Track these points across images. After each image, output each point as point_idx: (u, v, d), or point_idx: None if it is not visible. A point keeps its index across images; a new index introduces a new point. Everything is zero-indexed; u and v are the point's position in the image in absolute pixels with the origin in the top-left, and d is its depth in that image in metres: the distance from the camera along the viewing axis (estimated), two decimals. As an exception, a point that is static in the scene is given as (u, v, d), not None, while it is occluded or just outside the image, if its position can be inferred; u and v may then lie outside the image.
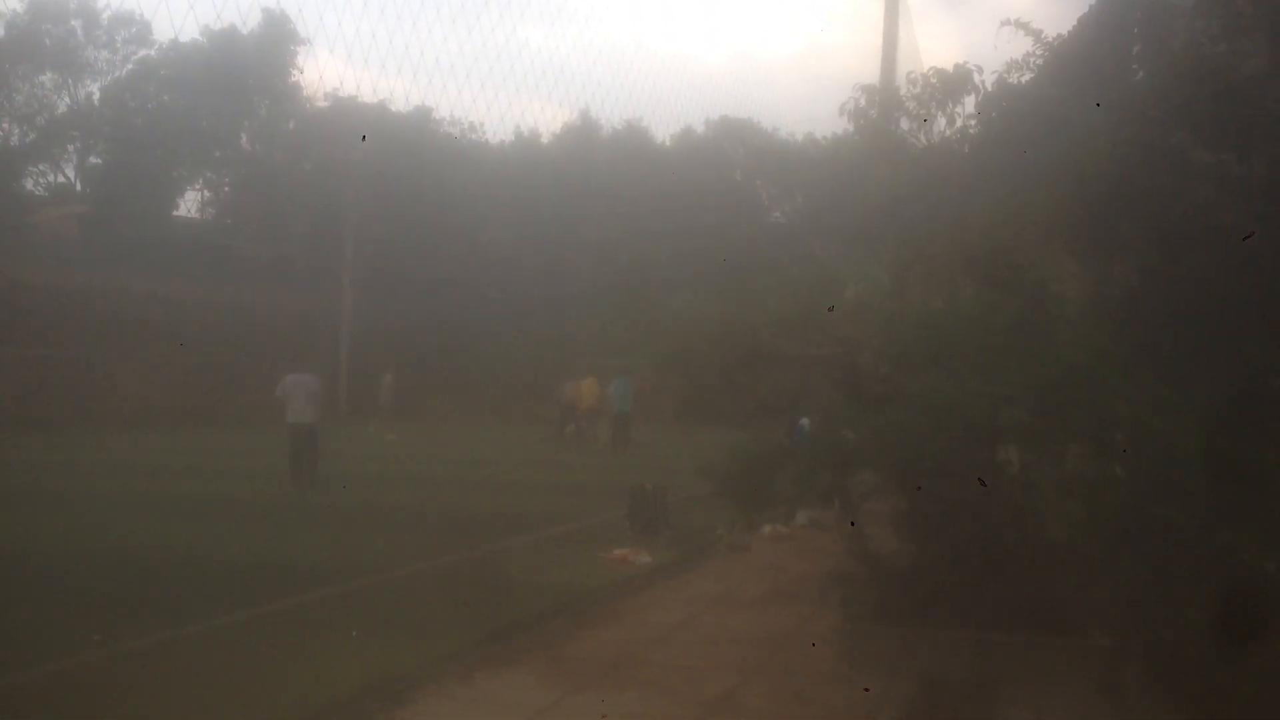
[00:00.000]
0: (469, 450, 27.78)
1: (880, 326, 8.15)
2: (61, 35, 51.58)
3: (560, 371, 33.57)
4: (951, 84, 15.73)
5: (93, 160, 52.83)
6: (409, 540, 13.19)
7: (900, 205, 13.93)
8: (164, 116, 49.60)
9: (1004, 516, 7.06)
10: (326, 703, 6.96)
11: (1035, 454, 7.47)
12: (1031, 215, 7.84)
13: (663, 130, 66.53)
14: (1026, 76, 14.61)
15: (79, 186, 52.95)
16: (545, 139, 57.33)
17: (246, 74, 50.23)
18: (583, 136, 56.42)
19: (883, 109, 17.42)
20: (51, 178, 54.00)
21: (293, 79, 52.28)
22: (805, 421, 12.18)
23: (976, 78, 15.62)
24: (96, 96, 52.31)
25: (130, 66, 52.36)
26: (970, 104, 16.02)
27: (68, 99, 52.50)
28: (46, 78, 51.80)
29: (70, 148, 53.09)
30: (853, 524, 8.46)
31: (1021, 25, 14.04)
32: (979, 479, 6.96)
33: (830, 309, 7.93)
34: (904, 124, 16.63)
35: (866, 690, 7.05)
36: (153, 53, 52.14)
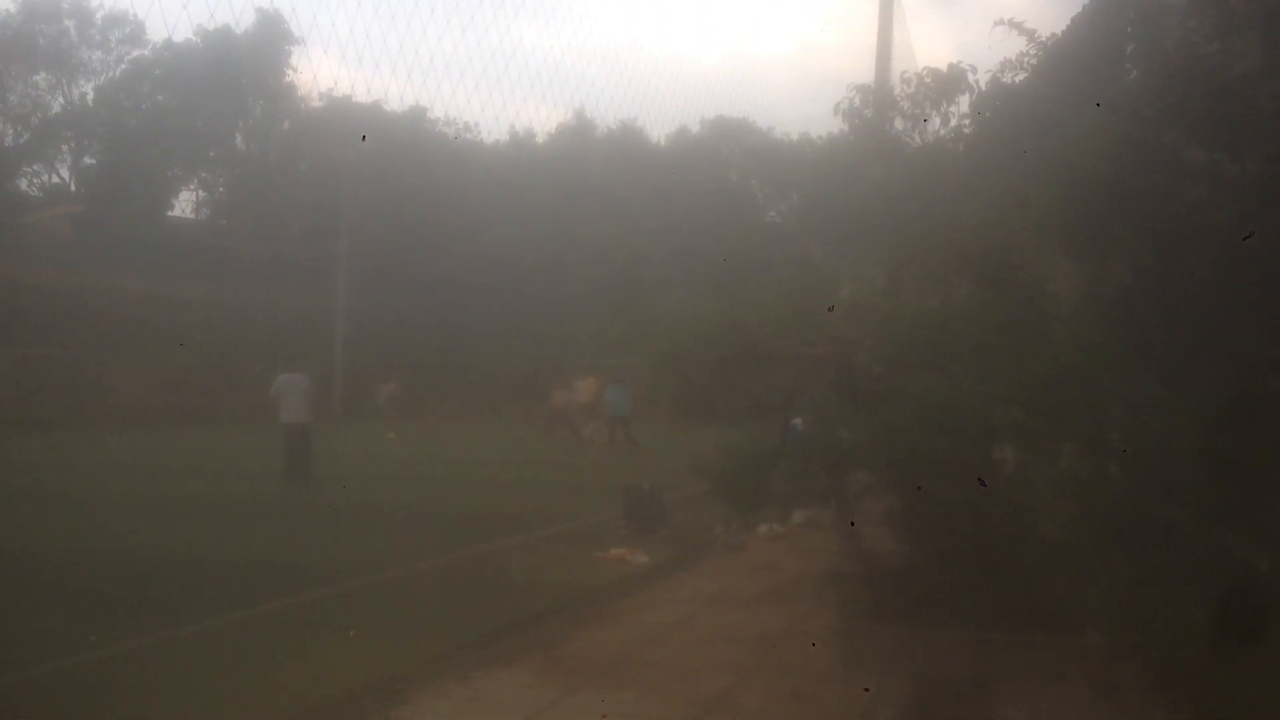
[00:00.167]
0: (465, 450, 27.77)
1: (875, 326, 8.16)
2: (55, 35, 51.57)
3: (556, 371, 33.58)
4: (946, 84, 15.73)
5: (87, 160, 52.83)
6: (406, 540, 13.19)
7: (895, 205, 13.95)
8: (158, 116, 49.59)
9: (999, 516, 7.08)
10: (323, 702, 6.97)
11: (1030, 453, 7.49)
12: (1025, 214, 7.85)
13: (658, 130, 66.63)
14: (1021, 76, 14.63)
15: (73, 186, 52.93)
16: (540, 139, 57.39)
17: (241, 74, 50.23)
18: (578, 136, 56.43)
19: (877, 109, 17.42)
20: (46, 178, 54.05)
21: (287, 79, 52.37)
22: (798, 421, 12.20)
23: (971, 77, 15.63)
24: (90, 96, 52.35)
25: (124, 66, 52.41)
26: (965, 103, 16.03)
27: (62, 99, 52.54)
28: (40, 78, 51.83)
29: (64, 148, 53.12)
30: (843, 528, 8.48)
31: (1015, 25, 14.07)
32: (979, 479, 6.97)
33: (830, 309, 7.94)
34: (898, 124, 16.63)
35: (866, 690, 7.06)
36: (147, 52, 52.22)
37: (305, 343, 35.86)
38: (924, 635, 7.02)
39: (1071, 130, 8.98)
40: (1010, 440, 7.43)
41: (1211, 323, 6.55)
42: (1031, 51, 14.22)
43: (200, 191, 54.95)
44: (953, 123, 15.90)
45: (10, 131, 51.20)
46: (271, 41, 51.03)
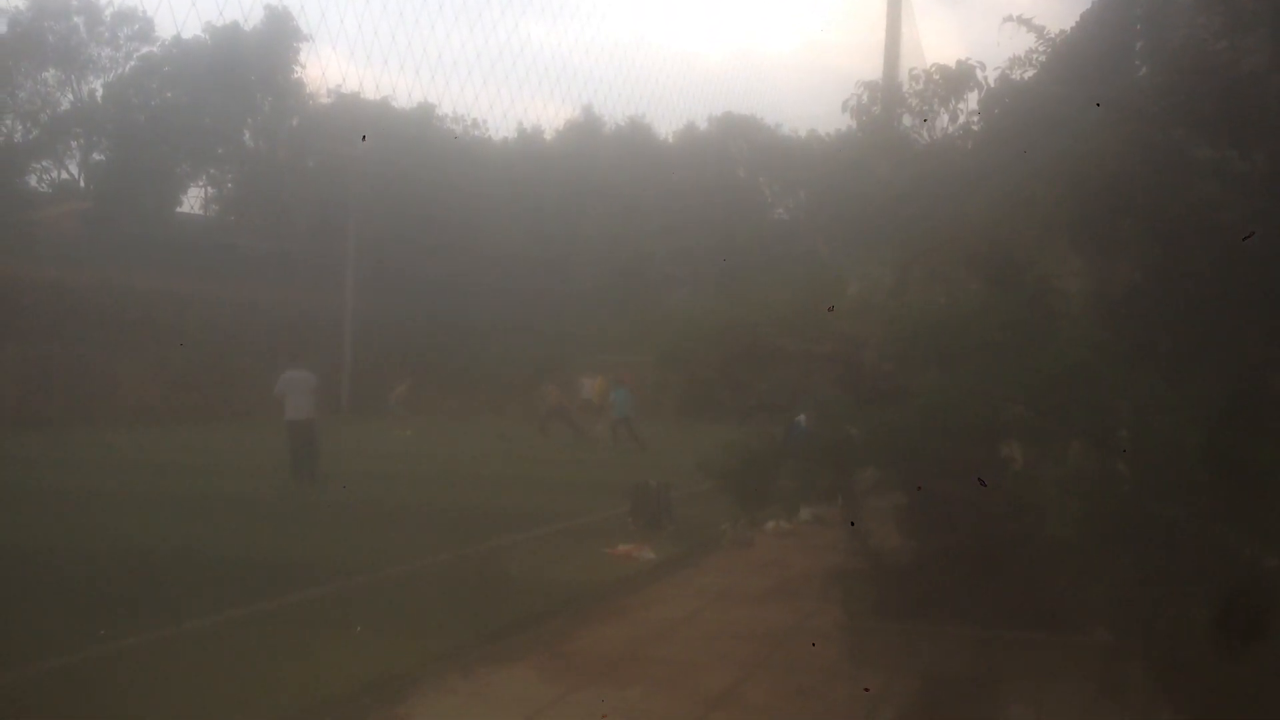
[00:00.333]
0: (470, 447, 27.80)
1: (882, 324, 8.15)
2: (64, 32, 51.67)
3: (560, 368, 33.59)
4: (954, 80, 15.73)
5: (96, 157, 52.94)
6: (412, 536, 13.21)
7: (902, 202, 13.92)
8: (167, 113, 49.66)
9: (1005, 514, 7.07)
10: (328, 698, 6.99)
11: (1037, 451, 7.48)
12: (1033, 212, 7.84)
13: (665, 127, 66.57)
14: (1029, 73, 14.62)
15: (82, 183, 53.02)
16: (548, 135, 57.45)
17: (249, 70, 50.31)
18: (586, 133, 56.45)
19: (885, 106, 17.42)
20: (55, 174, 54.15)
21: (295, 75, 52.43)
22: (802, 418, 12.19)
23: (979, 74, 15.63)
24: (99, 93, 52.43)
25: (133, 63, 52.48)
26: (973, 100, 16.02)
27: (71, 95, 52.62)
28: (49, 74, 51.92)
29: (74, 144, 53.18)
30: (853, 523, 8.46)
31: (1024, 22, 14.07)
32: (979, 479, 6.95)
33: (830, 309, 7.92)
34: (906, 121, 16.64)
35: (866, 690, 7.06)
36: (155, 49, 52.29)
37: (312, 340, 35.91)
38: (930, 632, 7.01)
39: (1079, 127, 8.96)
40: (1017, 438, 7.42)
41: (1219, 321, 6.54)
42: (1040, 48, 14.21)
43: (209, 188, 55.10)
44: (961, 120, 15.91)
45: (19, 128, 51.30)
46: (280, 38, 51.10)
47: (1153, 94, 7.35)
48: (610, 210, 48.47)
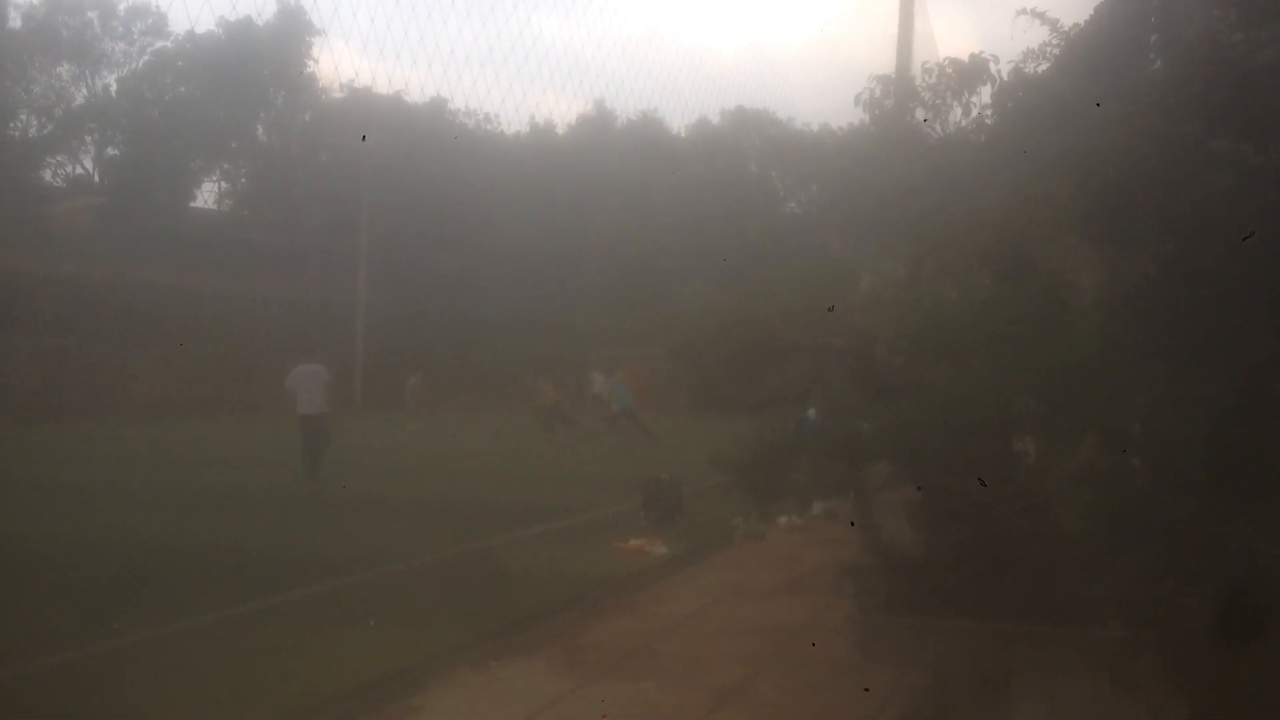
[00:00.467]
0: (482, 442, 27.83)
1: (894, 318, 8.14)
2: (78, 27, 51.83)
3: (557, 364, 33.59)
4: (967, 74, 15.67)
5: (110, 152, 53.08)
6: (425, 530, 13.23)
7: (915, 196, 13.89)
8: (180, 108, 49.82)
9: (1017, 508, 7.05)
10: (342, 690, 7.01)
11: (1049, 445, 7.46)
12: (1045, 206, 7.81)
13: (678, 121, 66.50)
14: (1043, 66, 14.55)
15: (97, 178, 53.19)
16: (560, 130, 57.37)
17: (262, 65, 50.42)
18: (598, 127, 56.38)
19: (898, 99, 17.35)
20: (69, 169, 54.34)
21: (308, 70, 52.50)
22: (811, 412, 12.18)
23: (992, 68, 15.57)
24: (113, 88, 52.59)
25: (147, 58, 52.61)
26: (986, 94, 15.96)
27: (85, 90, 52.79)
28: (63, 69, 52.08)
29: (88, 139, 53.33)
30: (855, 522, 8.47)
31: (1038, 15, 14.01)
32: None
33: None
34: (919, 114, 16.57)
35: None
36: (169, 44, 52.42)
37: (325, 334, 36.01)
38: (941, 627, 7.00)
39: (1092, 121, 8.93)
40: (1029, 432, 7.40)
41: (1232, 315, 6.50)
42: (1054, 42, 14.15)
43: (222, 183, 55.24)
44: (974, 113, 15.86)
45: (34, 123, 51.50)
46: (292, 33, 51.19)
47: (1167, 87, 7.31)
48: (622, 204, 48.44)
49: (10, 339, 31.49)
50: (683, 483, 14.48)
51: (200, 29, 52.09)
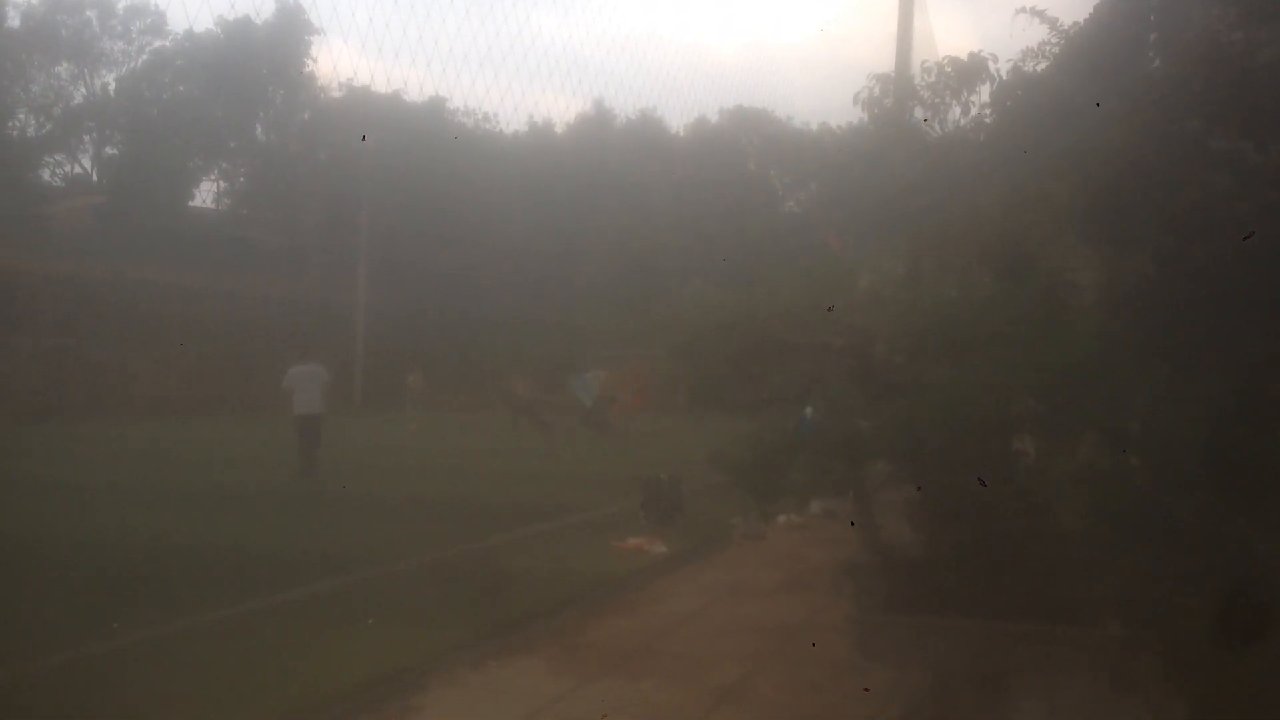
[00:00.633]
0: (481, 440, 27.81)
1: (894, 316, 8.13)
2: (77, 26, 51.86)
3: (533, 362, 33.58)
4: (966, 73, 15.62)
5: (109, 151, 53.13)
6: (424, 530, 13.22)
7: (914, 195, 13.86)
8: (179, 107, 49.86)
9: (1017, 507, 7.05)
10: (341, 690, 7.01)
11: (1049, 444, 7.45)
12: (1044, 204, 7.80)
13: (677, 120, 66.42)
14: (1042, 65, 14.51)
15: (95, 177, 53.18)
16: (559, 129, 57.34)
17: (261, 64, 50.44)
18: (597, 126, 56.36)
19: (897, 98, 17.31)
20: (68, 168, 54.35)
21: (307, 69, 52.51)
22: (809, 411, 12.18)
23: (991, 66, 15.52)
24: (112, 87, 52.63)
25: (145, 57, 52.67)
26: (985, 93, 15.92)
27: (84, 89, 52.82)
28: (62, 68, 52.12)
29: (86, 138, 53.37)
30: (855, 522, 8.46)
31: (1037, 13, 13.96)
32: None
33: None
34: (919, 113, 16.53)
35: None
36: (168, 43, 52.49)
37: (325, 333, 35.99)
38: (942, 626, 6.99)
39: (1092, 119, 8.92)
40: (1029, 431, 7.40)
41: (1232, 314, 6.50)
42: (1053, 40, 14.11)
43: (221, 182, 55.28)
44: (973, 112, 15.80)
45: (33, 122, 51.53)
46: (291, 32, 51.18)
47: (1166, 86, 7.30)
48: (621, 203, 48.41)
49: (9, 338, 31.48)
50: (682, 482, 14.47)
51: (199, 28, 52.13)
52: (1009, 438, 7.42)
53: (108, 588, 9.55)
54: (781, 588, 10.72)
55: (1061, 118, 11.11)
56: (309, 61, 52.35)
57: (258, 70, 50.39)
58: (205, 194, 54.22)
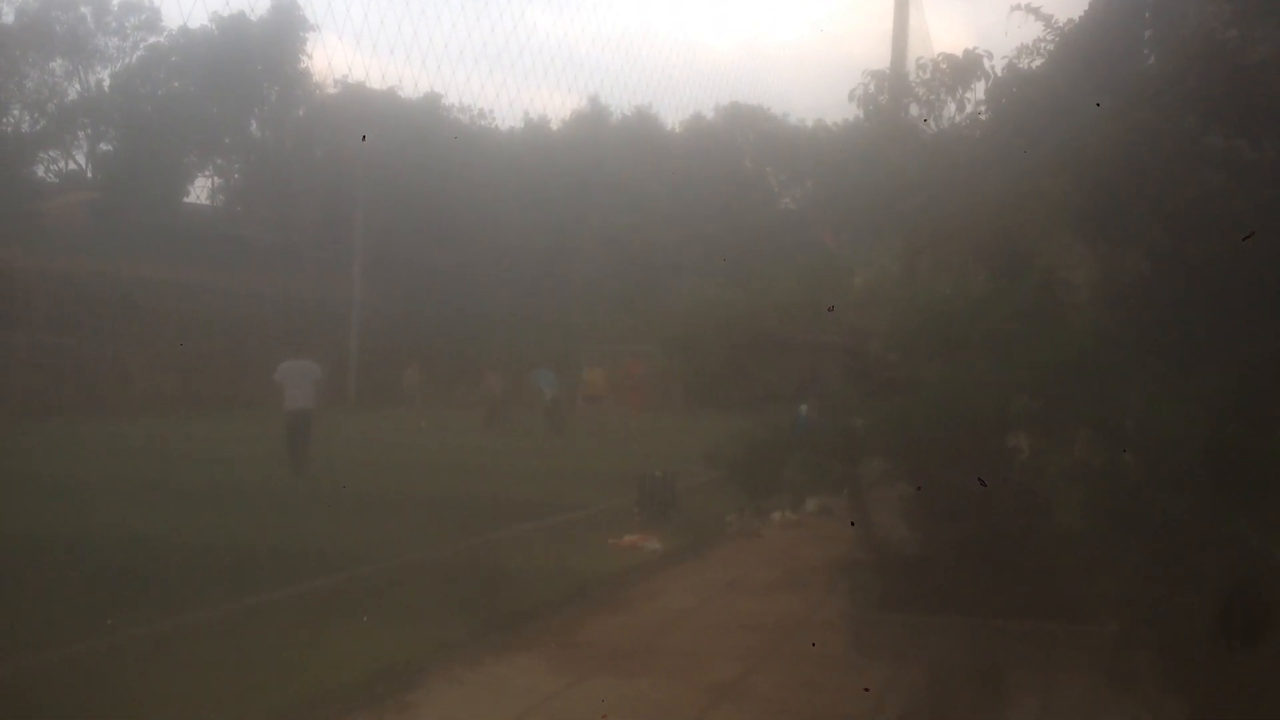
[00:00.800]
0: (476, 437, 27.80)
1: (889, 314, 8.14)
2: (71, 22, 51.77)
3: (507, 357, 33.63)
4: (961, 70, 15.58)
5: (103, 147, 53.03)
6: (420, 526, 13.22)
7: (909, 192, 13.85)
8: (174, 103, 49.80)
9: (1013, 504, 7.06)
10: (337, 687, 7.00)
11: (1045, 441, 7.46)
12: (1040, 201, 7.81)
13: (672, 117, 66.32)
14: (1037, 62, 14.47)
15: (90, 173, 53.08)
16: (555, 125, 57.29)
17: (256, 60, 50.36)
18: (592, 123, 56.32)
19: (892, 95, 17.28)
20: (63, 164, 54.22)
21: (302, 65, 52.43)
22: (804, 408, 12.19)
23: (987, 63, 15.47)
24: (107, 83, 52.57)
25: (140, 53, 52.59)
26: (980, 90, 15.89)
27: (78, 86, 52.73)
28: (57, 64, 52.04)
29: (81, 134, 53.26)
30: (853, 522, 8.47)
31: (1032, 10, 13.93)
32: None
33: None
34: (914, 110, 16.51)
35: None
36: (162, 39, 52.41)
37: (320, 329, 35.94)
38: (937, 624, 7.00)
39: (1087, 116, 8.92)
40: (1024, 428, 7.41)
41: (1227, 311, 6.51)
42: (1049, 37, 14.08)
43: (215, 178, 55.13)
44: (969, 109, 15.78)
45: (27, 118, 51.43)
46: (286, 28, 51.09)
47: (1161, 83, 7.31)
48: (617, 200, 48.37)
49: (4, 335, 31.40)
50: (677, 479, 14.48)
51: (194, 24, 52.09)
52: (1005, 435, 7.43)
53: (104, 584, 9.53)
54: (777, 585, 10.73)
55: (1057, 115, 11.10)
56: (304, 58, 52.34)
57: (253, 67, 50.33)
58: (200, 190, 54.19)
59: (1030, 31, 14.69)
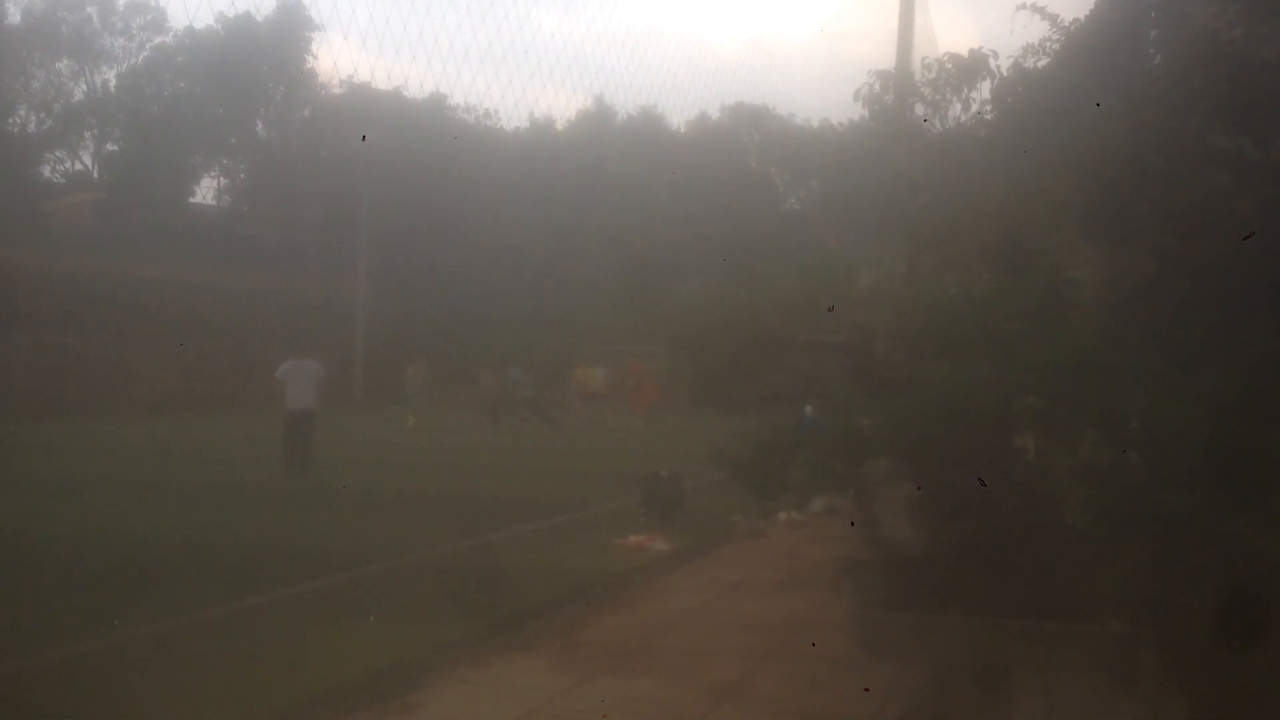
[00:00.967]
0: (481, 436, 27.80)
1: (894, 313, 8.13)
2: (77, 22, 51.85)
3: (499, 356, 33.66)
4: (967, 69, 15.60)
5: (109, 147, 53.11)
6: (425, 526, 13.23)
7: (914, 191, 13.84)
8: (180, 104, 49.88)
9: (1017, 504, 7.05)
10: (342, 686, 7.01)
11: (1050, 441, 7.46)
12: (1045, 201, 7.80)
13: (678, 117, 66.25)
14: (1043, 61, 14.48)
15: (96, 174, 53.18)
16: (560, 125, 57.29)
17: (261, 61, 50.43)
18: (597, 123, 56.33)
19: (898, 95, 17.30)
20: (69, 165, 54.35)
21: (307, 65, 52.49)
22: (809, 408, 12.17)
23: (992, 63, 15.50)
24: (113, 83, 52.64)
25: (146, 53, 52.67)
26: (986, 89, 15.90)
27: (84, 86, 52.81)
28: (63, 65, 52.12)
29: (87, 135, 53.37)
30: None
31: (1038, 9, 13.92)
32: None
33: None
34: (919, 110, 16.52)
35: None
36: (168, 39, 52.49)
37: (325, 330, 35.97)
38: (942, 623, 7.00)
39: (1092, 116, 8.91)
40: (1029, 428, 7.40)
41: (1232, 310, 6.50)
42: (1054, 36, 14.08)
43: (221, 179, 55.24)
44: (974, 109, 15.77)
45: (33, 118, 51.55)
46: (292, 28, 51.16)
47: (1166, 82, 7.30)
48: (622, 200, 48.36)
49: (9, 334, 31.45)
50: (683, 479, 14.47)
51: (199, 25, 52.17)
52: (1009, 435, 7.43)
53: (108, 584, 9.55)
54: (782, 585, 10.72)
55: (1062, 114, 11.09)
56: (309, 58, 52.40)
57: (258, 67, 50.40)
58: (206, 191, 54.30)
59: (1036, 31, 14.68)
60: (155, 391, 34.00)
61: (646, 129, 54.99)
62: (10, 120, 49.52)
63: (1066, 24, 13.95)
